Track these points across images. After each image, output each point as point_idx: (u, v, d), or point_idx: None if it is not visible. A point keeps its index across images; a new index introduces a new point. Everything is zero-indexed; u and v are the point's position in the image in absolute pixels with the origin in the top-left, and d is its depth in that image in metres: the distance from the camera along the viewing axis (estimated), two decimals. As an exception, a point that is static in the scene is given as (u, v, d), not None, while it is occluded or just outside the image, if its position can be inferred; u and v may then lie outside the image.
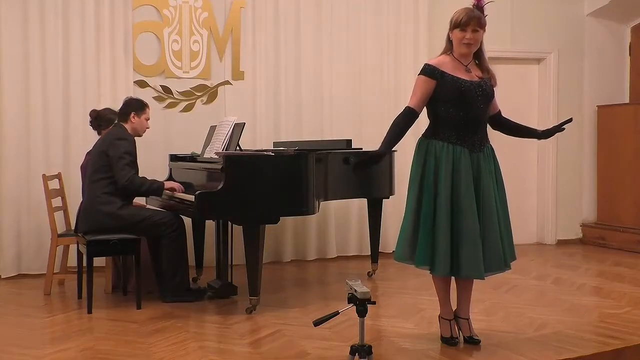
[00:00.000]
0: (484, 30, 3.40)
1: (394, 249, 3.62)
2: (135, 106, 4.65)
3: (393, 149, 3.68)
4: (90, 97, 5.60)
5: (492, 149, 3.52)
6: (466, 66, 3.42)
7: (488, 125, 3.58)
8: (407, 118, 3.40)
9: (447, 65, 3.41)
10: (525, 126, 3.70)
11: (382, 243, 5.87)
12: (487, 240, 3.36)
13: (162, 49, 5.88)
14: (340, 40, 6.29)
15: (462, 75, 3.39)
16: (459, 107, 3.36)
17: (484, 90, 3.40)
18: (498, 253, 3.39)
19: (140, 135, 4.69)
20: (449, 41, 3.46)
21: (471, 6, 3.40)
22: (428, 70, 3.39)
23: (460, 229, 3.33)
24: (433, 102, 3.43)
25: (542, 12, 7.05)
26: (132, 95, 4.96)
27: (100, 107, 5.21)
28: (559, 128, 3.64)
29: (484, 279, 3.42)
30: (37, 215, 5.38)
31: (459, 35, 3.36)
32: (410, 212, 3.43)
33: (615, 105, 7.15)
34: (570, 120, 3.65)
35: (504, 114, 3.67)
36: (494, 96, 3.48)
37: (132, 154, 4.48)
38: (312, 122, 6.19)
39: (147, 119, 4.71)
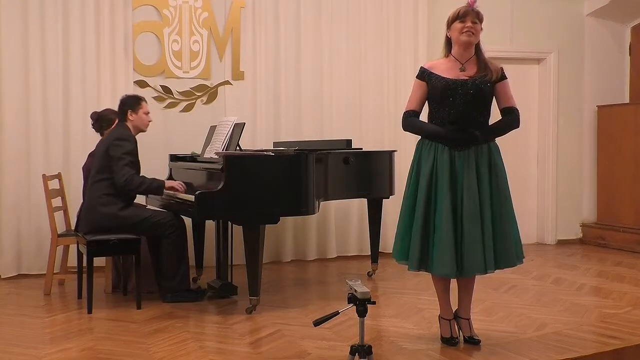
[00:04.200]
0: (481, 27, 3.43)
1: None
2: (130, 103, 4.61)
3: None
4: (90, 97, 5.60)
5: (492, 147, 3.47)
6: (463, 64, 3.43)
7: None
8: (413, 119, 3.52)
9: (439, 66, 3.47)
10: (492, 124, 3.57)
11: (382, 243, 5.87)
12: (465, 240, 3.34)
13: (162, 49, 5.88)
14: (340, 40, 6.29)
15: (449, 75, 3.41)
16: (442, 106, 3.42)
17: (471, 88, 3.38)
18: (477, 254, 3.33)
19: (144, 131, 4.68)
20: (447, 43, 3.49)
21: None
22: (419, 73, 3.53)
23: (435, 225, 3.38)
24: (427, 103, 3.52)
25: (542, 12, 7.06)
26: (127, 93, 4.91)
27: (100, 108, 5.22)
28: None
29: (454, 277, 3.44)
30: (37, 215, 5.38)
31: (459, 26, 3.38)
32: (401, 210, 3.54)
33: (615, 105, 7.15)
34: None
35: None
36: (488, 93, 3.42)
37: (133, 154, 4.47)
38: (312, 122, 6.19)
39: (147, 113, 4.66)
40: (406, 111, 3.53)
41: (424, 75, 3.48)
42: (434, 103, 3.47)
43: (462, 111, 3.39)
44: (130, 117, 4.59)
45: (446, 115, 3.40)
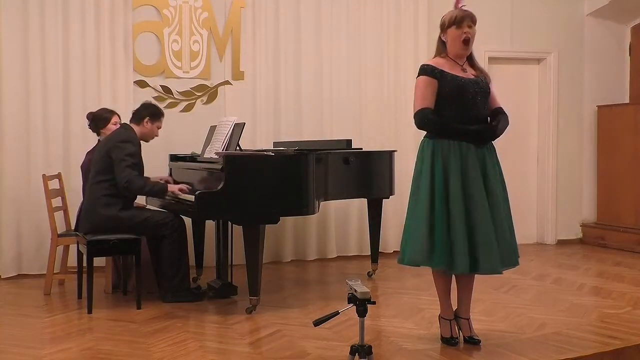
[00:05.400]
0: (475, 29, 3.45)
1: (401, 253, 3.50)
2: (152, 112, 4.64)
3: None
4: (90, 97, 5.60)
5: (493, 145, 3.52)
6: (462, 66, 3.46)
7: None
8: (435, 116, 3.38)
9: (444, 65, 3.44)
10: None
11: (382, 243, 5.87)
12: (498, 236, 3.36)
13: (162, 49, 5.88)
14: (340, 40, 6.29)
15: (459, 74, 3.42)
16: (459, 105, 3.38)
17: (482, 87, 3.43)
18: (510, 247, 3.40)
19: (147, 141, 4.70)
20: (442, 43, 3.49)
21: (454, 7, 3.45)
22: (428, 70, 3.40)
23: (475, 226, 3.32)
24: (436, 101, 3.43)
25: (542, 12, 7.06)
26: (151, 101, 4.90)
27: (100, 108, 5.21)
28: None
29: (501, 274, 3.43)
30: (37, 215, 5.38)
31: (457, 33, 3.38)
32: (423, 216, 3.36)
33: (615, 105, 7.15)
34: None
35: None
36: (490, 92, 3.50)
37: (135, 156, 4.45)
38: (312, 122, 6.19)
39: (159, 128, 4.71)
40: (424, 108, 3.37)
41: (434, 72, 3.38)
42: (446, 102, 3.38)
43: (478, 109, 3.41)
44: (145, 124, 4.60)
45: (465, 114, 3.37)
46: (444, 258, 3.33)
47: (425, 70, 3.41)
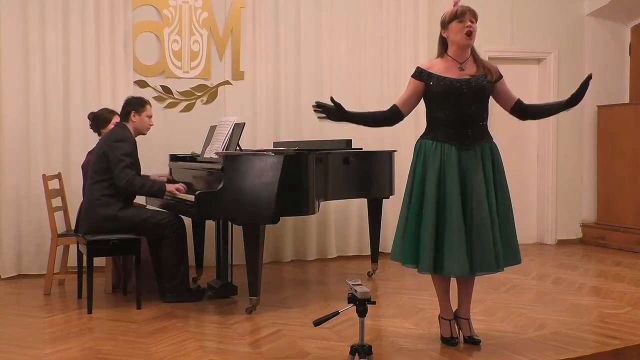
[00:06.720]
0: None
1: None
2: (134, 104, 4.59)
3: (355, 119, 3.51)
4: (90, 97, 5.61)
5: (493, 147, 3.49)
6: (461, 64, 3.42)
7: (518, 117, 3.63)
8: (388, 113, 3.49)
9: (437, 66, 3.44)
10: (550, 104, 3.61)
11: (382, 243, 5.87)
12: (475, 239, 3.34)
13: (162, 49, 5.88)
14: (340, 40, 6.30)
15: (451, 75, 3.40)
16: (447, 106, 3.39)
17: (474, 87, 3.39)
18: (489, 253, 3.34)
19: (144, 134, 4.65)
20: (442, 42, 3.48)
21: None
22: (416, 72, 3.47)
23: (445, 226, 3.34)
24: (426, 103, 3.48)
25: (542, 12, 7.06)
26: (132, 94, 4.93)
27: (100, 108, 5.21)
28: (583, 89, 3.58)
29: (470, 277, 3.42)
30: (37, 215, 5.38)
31: (459, 27, 3.36)
32: (403, 212, 3.47)
33: (615, 105, 7.15)
34: (589, 76, 3.56)
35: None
36: (489, 92, 3.46)
37: (132, 155, 4.45)
38: (312, 122, 6.17)
39: (149, 117, 4.63)
40: (394, 104, 3.49)
41: (422, 75, 3.43)
42: (435, 103, 3.42)
43: (468, 109, 3.39)
44: (132, 119, 4.57)
45: (455, 114, 3.37)
46: (410, 256, 3.40)
47: (414, 72, 3.49)
